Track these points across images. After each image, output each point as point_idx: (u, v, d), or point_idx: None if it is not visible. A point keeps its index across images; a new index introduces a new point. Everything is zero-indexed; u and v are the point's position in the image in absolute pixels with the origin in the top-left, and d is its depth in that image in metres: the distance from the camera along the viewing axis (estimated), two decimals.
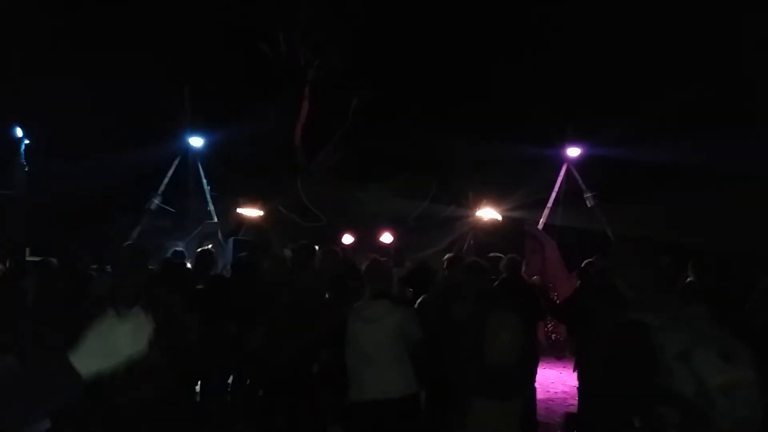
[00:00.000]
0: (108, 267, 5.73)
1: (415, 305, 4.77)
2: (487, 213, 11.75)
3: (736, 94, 11.02)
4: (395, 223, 12.47)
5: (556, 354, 8.82)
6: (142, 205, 10.51)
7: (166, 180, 10.71)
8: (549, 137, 11.66)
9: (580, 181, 10.87)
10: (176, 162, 10.81)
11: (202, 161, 11.19)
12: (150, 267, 4.75)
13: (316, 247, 5.51)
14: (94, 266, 5.83)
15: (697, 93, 11.15)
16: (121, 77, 11.69)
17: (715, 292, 4.57)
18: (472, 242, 11.96)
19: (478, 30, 14.46)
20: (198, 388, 5.37)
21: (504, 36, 14.15)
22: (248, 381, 5.54)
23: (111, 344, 1.44)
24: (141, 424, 4.04)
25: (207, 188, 11.14)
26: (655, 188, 11.09)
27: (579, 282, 6.24)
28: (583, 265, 6.07)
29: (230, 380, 5.60)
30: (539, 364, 6.27)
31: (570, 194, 11.07)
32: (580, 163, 11.05)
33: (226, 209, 11.43)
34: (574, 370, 5.65)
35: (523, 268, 8.51)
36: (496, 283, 5.78)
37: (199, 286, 5.43)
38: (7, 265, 6.11)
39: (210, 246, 6.51)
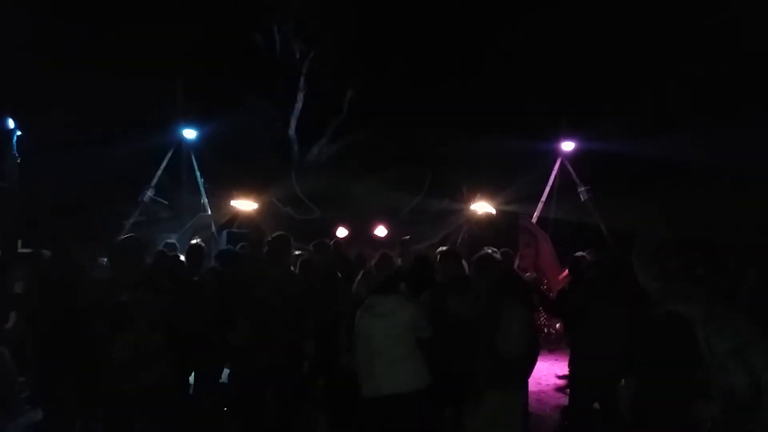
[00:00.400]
0: (103, 259, 5.72)
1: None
2: (481, 206, 11.77)
3: (728, 87, 11.07)
4: (389, 216, 12.47)
5: (549, 347, 8.87)
6: (136, 197, 10.46)
7: (159, 172, 10.65)
8: (543, 131, 11.67)
9: (574, 175, 10.90)
10: (169, 154, 10.75)
11: (196, 153, 11.13)
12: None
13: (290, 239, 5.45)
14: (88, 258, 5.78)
15: (691, 86, 11.22)
16: (114, 68, 11.62)
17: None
18: (466, 236, 11.99)
19: (472, 23, 14.43)
20: (192, 383, 5.37)
21: (498, 29, 14.14)
22: (237, 375, 5.53)
23: None
24: (140, 410, 4.07)
25: (200, 180, 11.09)
26: (647, 182, 11.15)
27: (569, 276, 6.28)
28: (573, 259, 6.07)
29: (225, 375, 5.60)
30: None
31: (564, 188, 11.10)
32: (573, 157, 11.07)
33: (220, 201, 11.40)
34: (569, 365, 5.68)
35: (517, 262, 8.58)
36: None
37: (195, 278, 5.43)
38: None
39: (199, 240, 6.46)
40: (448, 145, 13.69)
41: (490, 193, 11.84)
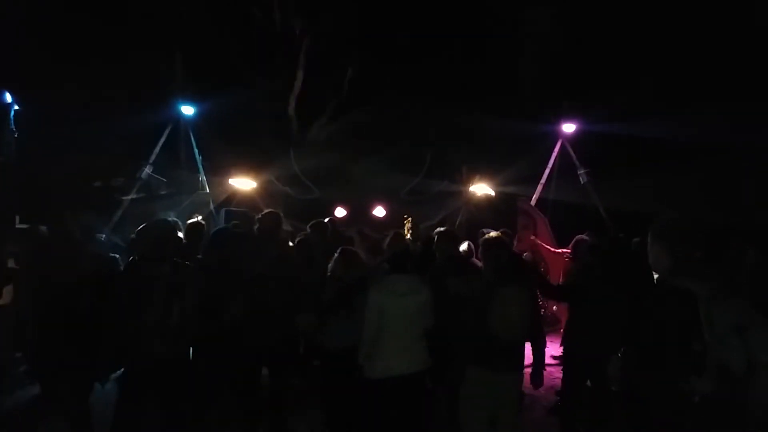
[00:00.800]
0: (101, 235, 5.71)
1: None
2: (480, 188, 11.75)
3: (729, 67, 10.98)
4: (388, 196, 12.46)
5: (546, 327, 8.91)
6: (133, 174, 10.41)
7: (157, 149, 10.58)
8: (544, 112, 11.60)
9: (574, 158, 10.85)
10: (167, 131, 10.66)
11: (194, 130, 11.05)
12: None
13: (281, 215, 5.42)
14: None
15: (690, 67, 11.13)
16: (113, 43, 11.48)
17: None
18: (464, 217, 11.98)
19: (474, 2, 14.25)
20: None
21: (501, 9, 13.97)
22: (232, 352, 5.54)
23: None
24: (154, 381, 4.12)
25: (198, 158, 11.03)
26: (645, 163, 11.12)
27: (572, 260, 6.28)
28: (573, 242, 6.07)
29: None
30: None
31: (563, 170, 11.07)
32: (574, 139, 11.01)
33: (218, 179, 11.35)
34: (560, 345, 5.73)
35: (515, 244, 8.58)
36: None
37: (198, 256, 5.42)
38: None
39: (201, 218, 6.46)
40: (449, 126, 13.63)
41: (489, 174, 11.81)
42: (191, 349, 4.60)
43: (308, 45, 14.90)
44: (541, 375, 4.81)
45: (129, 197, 10.08)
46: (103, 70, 11.16)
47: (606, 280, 4.81)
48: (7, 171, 9.31)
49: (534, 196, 11.02)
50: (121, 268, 4.86)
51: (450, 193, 13.05)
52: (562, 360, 6.57)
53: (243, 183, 11.17)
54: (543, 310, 9.25)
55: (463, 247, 5.76)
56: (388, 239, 4.63)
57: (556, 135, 11.11)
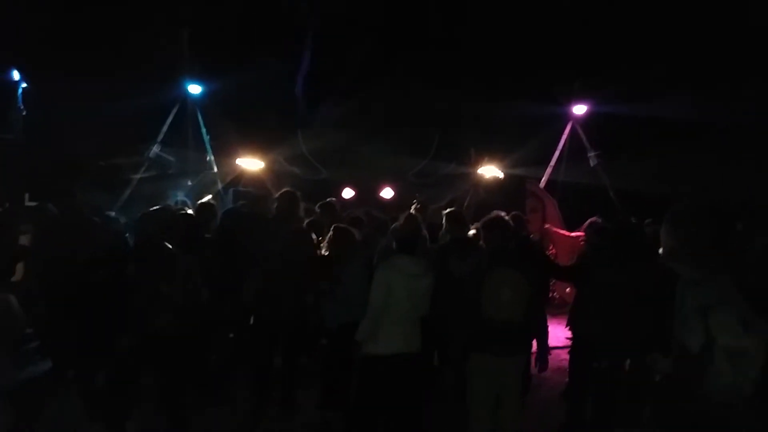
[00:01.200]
0: (111, 212, 5.73)
1: None
2: (489, 170, 11.67)
3: (740, 46, 10.77)
4: (396, 178, 12.41)
5: (552, 311, 8.90)
6: (141, 152, 10.41)
7: (164, 128, 10.56)
8: (555, 94, 11.46)
9: (585, 140, 10.75)
10: (175, 110, 10.63)
11: (201, 110, 11.02)
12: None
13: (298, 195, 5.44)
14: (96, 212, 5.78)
15: (702, 46, 10.92)
16: (120, 21, 11.41)
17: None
18: (472, 199, 11.93)
19: None
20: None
21: None
22: (244, 330, 5.60)
23: None
24: (154, 356, 4.21)
25: (206, 137, 11.00)
26: (656, 144, 10.99)
27: (584, 243, 6.26)
28: (585, 225, 6.06)
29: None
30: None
31: (573, 152, 10.98)
32: (584, 121, 10.90)
33: (226, 159, 11.34)
34: (566, 326, 5.73)
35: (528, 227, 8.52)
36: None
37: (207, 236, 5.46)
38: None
39: (210, 197, 6.46)
40: (457, 108, 13.50)
41: (498, 156, 11.73)
42: (204, 327, 4.67)
43: (316, 25, 14.75)
44: (546, 358, 4.81)
45: (137, 176, 10.10)
46: (111, 48, 11.10)
47: (612, 262, 4.78)
48: (15, 148, 9.34)
49: (543, 178, 10.95)
50: (131, 245, 4.88)
51: (458, 176, 12.98)
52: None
53: (250, 163, 11.14)
54: (553, 292, 9.25)
55: (473, 230, 5.75)
56: (401, 220, 4.63)
57: (567, 117, 11.00)
